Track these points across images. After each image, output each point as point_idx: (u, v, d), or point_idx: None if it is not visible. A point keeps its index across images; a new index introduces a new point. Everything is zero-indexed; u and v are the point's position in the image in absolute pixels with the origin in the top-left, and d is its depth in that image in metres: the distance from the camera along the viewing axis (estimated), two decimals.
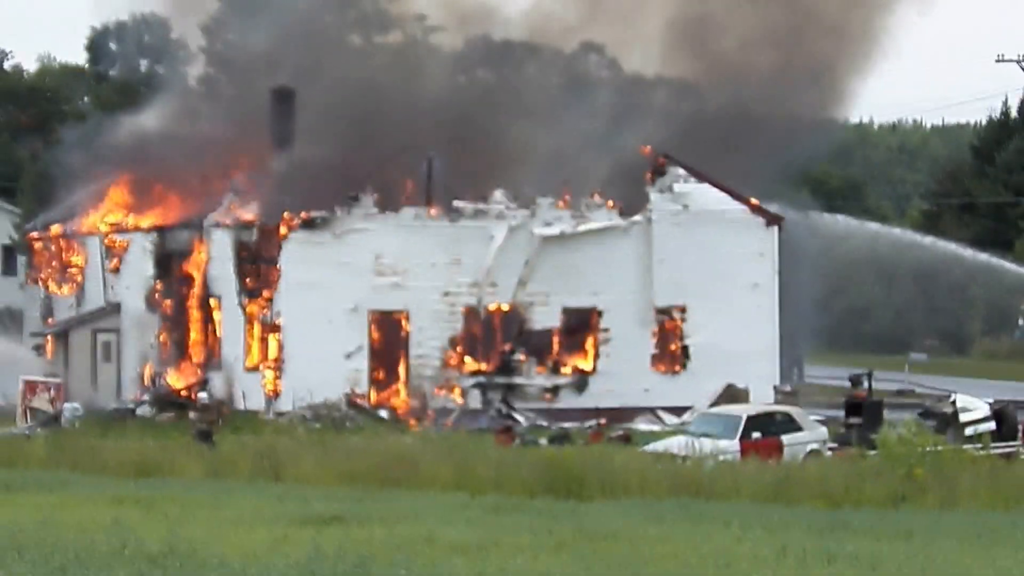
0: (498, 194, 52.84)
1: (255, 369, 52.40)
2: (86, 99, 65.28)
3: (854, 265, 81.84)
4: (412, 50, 60.15)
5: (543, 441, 45.38)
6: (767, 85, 60.65)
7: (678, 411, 51.98)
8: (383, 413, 50.67)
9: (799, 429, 41.37)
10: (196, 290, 54.81)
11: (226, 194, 54.98)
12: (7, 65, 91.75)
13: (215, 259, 54.00)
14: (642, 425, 51.10)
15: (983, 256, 65.83)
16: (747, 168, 56.73)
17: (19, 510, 26.51)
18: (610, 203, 53.47)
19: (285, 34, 59.37)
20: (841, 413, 46.73)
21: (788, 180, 59.63)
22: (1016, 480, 32.51)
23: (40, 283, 62.99)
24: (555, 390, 52.88)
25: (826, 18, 62.66)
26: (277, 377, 51.46)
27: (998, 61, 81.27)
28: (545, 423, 50.84)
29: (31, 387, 48.87)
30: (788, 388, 54.53)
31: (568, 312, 53.01)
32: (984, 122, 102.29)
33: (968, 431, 42.94)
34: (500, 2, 62.39)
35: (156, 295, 56.55)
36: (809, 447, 40.71)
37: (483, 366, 52.58)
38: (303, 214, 51.46)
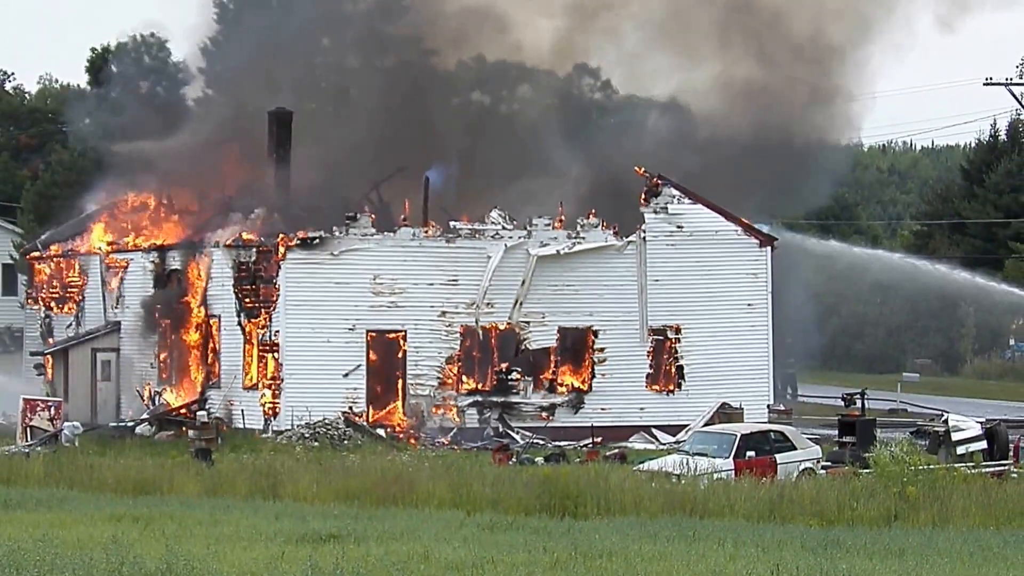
0: (494, 214, 52.92)
1: (254, 388, 52.47)
2: (87, 120, 65.65)
3: (847, 284, 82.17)
4: (409, 72, 60.35)
5: (539, 459, 45.35)
6: (764, 109, 61.07)
7: (673, 430, 52.13)
8: (380, 432, 50.66)
9: (793, 448, 41.47)
10: (195, 309, 54.96)
11: (225, 214, 55.12)
12: (8, 86, 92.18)
13: (214, 279, 54.10)
14: (637, 444, 51.19)
15: (974, 278, 66.36)
16: (742, 189, 57.04)
17: (18, 527, 26.62)
18: (605, 223, 53.62)
19: (283, 56, 59.61)
20: (834, 432, 46.87)
21: (784, 201, 59.97)
22: (1008, 499, 32.66)
23: (40, 302, 63.02)
24: (551, 409, 52.95)
25: (824, 41, 63.13)
26: (275, 396, 51.45)
27: (986, 84, 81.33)
28: (541, 442, 50.98)
29: (31, 406, 48.72)
30: (782, 407, 54.77)
31: (564, 331, 53.17)
32: (973, 144, 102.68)
33: (960, 450, 42.93)
34: (495, 24, 62.75)
35: (155, 314, 56.72)
36: (803, 466, 40.80)
37: (480, 385, 52.68)
38: (301, 234, 51.55)
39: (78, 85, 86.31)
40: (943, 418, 46.38)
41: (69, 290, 61.29)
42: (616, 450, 47.74)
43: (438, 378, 52.24)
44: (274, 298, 51.81)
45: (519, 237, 52.81)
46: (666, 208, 53.89)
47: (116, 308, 58.41)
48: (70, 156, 68.89)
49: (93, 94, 69.79)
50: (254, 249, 52.67)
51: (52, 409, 48.83)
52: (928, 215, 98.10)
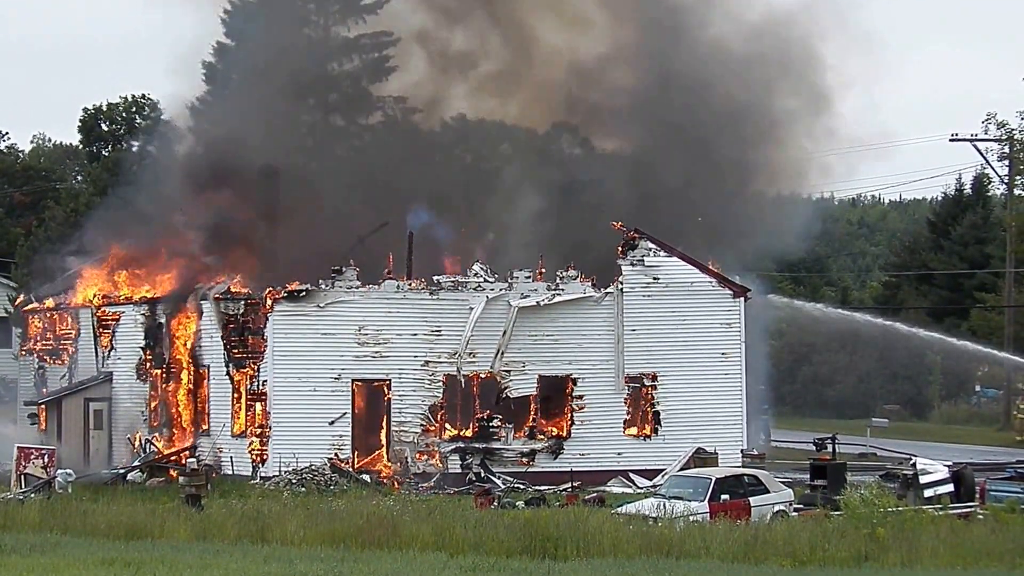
0: (476, 267, 53.62)
1: (242, 435, 53.02)
2: (79, 178, 66.48)
3: (818, 335, 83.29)
4: (392, 130, 61.36)
5: (520, 503, 46.01)
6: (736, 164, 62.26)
7: (650, 474, 52.64)
8: (366, 477, 51.21)
9: (766, 491, 42.19)
10: (185, 360, 55.69)
11: (214, 268, 55.69)
12: (2, 145, 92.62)
13: (203, 330, 54.73)
14: (615, 488, 51.78)
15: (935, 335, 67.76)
16: (716, 242, 58.11)
17: (13, 572, 27.05)
18: (583, 275, 54.30)
19: (271, 115, 60.49)
20: (806, 476, 47.70)
21: (755, 254, 61.06)
22: (974, 539, 33.52)
23: (34, 354, 63.50)
24: (532, 454, 53.57)
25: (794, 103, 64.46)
26: (263, 443, 51.96)
27: (952, 140, 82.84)
28: (522, 486, 51.51)
29: (25, 454, 49.20)
30: (755, 452, 54.91)
31: (544, 380, 53.88)
32: (940, 198, 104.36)
33: (928, 493, 43.92)
34: (476, 84, 63.89)
35: (146, 365, 57.43)
36: (776, 508, 41.48)
37: (462, 432, 53.31)
38: (288, 287, 52.19)
39: (71, 144, 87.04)
40: (911, 462, 47.26)
41: (62, 342, 61.80)
42: (595, 494, 48.26)
43: (421, 425, 52.88)
44: (262, 349, 52.39)
45: (500, 289, 53.47)
46: (642, 260, 54.63)
47: (108, 359, 59.17)
48: (63, 212, 69.77)
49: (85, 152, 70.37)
50: (242, 302, 53.23)
51: (46, 457, 49.26)
52: (896, 266, 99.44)
